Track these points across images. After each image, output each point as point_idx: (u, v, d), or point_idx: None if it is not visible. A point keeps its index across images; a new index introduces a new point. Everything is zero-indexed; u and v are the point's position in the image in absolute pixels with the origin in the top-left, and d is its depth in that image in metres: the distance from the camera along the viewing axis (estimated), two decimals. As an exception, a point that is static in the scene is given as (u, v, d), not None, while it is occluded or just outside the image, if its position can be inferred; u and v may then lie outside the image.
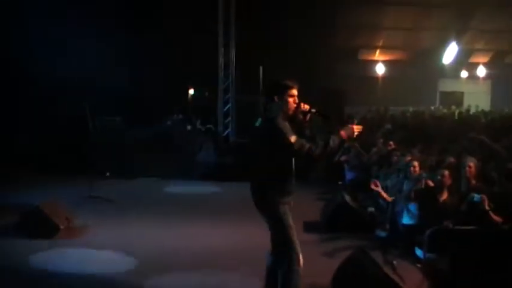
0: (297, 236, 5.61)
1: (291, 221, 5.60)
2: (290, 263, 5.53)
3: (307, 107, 5.71)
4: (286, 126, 5.49)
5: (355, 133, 5.64)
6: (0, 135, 15.10)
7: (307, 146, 5.40)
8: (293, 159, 5.65)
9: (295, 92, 5.67)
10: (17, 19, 15.49)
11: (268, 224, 5.68)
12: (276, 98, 5.64)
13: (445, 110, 26.23)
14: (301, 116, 5.69)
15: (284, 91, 5.64)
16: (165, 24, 18.94)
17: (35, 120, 15.78)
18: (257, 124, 5.78)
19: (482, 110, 24.77)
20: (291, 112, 5.65)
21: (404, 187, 9.01)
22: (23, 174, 14.01)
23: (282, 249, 5.59)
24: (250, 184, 5.77)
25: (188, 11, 18.02)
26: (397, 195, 9.23)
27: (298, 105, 5.68)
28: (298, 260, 5.55)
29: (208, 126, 16.71)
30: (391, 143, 12.14)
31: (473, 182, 8.35)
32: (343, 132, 5.55)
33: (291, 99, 5.64)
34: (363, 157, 12.59)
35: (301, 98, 5.73)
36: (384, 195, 9.43)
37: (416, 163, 9.20)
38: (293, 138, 5.39)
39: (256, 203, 5.69)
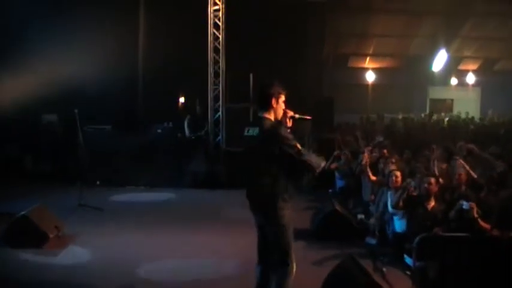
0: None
1: (291, 228, 5.66)
2: (285, 275, 5.56)
3: (291, 112, 5.78)
4: (290, 134, 5.59)
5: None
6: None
7: (314, 159, 5.54)
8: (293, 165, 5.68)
9: (284, 97, 5.78)
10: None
11: (268, 231, 5.68)
12: (273, 102, 5.69)
13: (434, 117, 26.29)
14: (288, 121, 5.73)
15: (279, 95, 5.72)
16: (155, 32, 19.00)
17: (24, 129, 15.76)
18: (253, 133, 5.78)
19: (473, 117, 24.87)
20: (280, 117, 5.72)
21: (388, 196, 9.02)
22: (12, 183, 13.95)
23: (279, 258, 5.59)
24: (249, 192, 5.78)
25: (178, 19, 18.06)
26: (382, 203, 9.28)
27: (285, 111, 5.75)
28: (292, 271, 5.59)
29: (198, 134, 16.66)
30: (385, 151, 12.13)
31: (462, 188, 8.41)
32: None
33: (282, 104, 5.75)
34: (352, 165, 12.61)
35: (293, 105, 5.82)
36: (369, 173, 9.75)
37: (398, 173, 9.23)
38: (299, 146, 5.52)
39: (259, 209, 5.70)
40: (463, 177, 8.73)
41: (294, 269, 5.62)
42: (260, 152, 5.68)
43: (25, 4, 15.79)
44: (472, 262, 6.87)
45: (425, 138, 15.20)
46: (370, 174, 10.46)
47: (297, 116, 5.81)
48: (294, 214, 5.67)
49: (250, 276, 6.07)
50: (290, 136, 5.55)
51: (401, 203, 8.37)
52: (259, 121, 5.73)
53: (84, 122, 12.85)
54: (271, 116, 5.71)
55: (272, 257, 5.68)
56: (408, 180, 8.74)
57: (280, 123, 5.67)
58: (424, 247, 7.14)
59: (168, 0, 18.62)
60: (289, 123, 5.76)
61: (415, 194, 8.49)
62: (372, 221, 9.57)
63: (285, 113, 5.74)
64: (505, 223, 7.09)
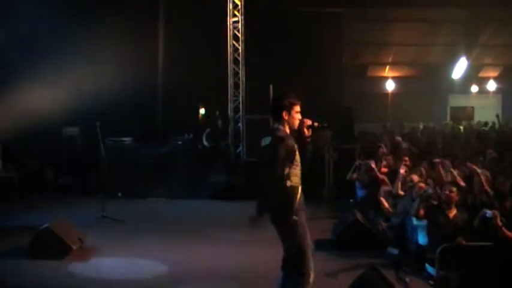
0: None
1: (308, 237, 5.64)
2: (299, 285, 5.54)
3: (309, 121, 5.80)
4: (288, 151, 5.57)
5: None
6: (13, 157, 15.27)
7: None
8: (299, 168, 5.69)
9: (299, 108, 5.80)
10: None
11: (282, 240, 5.69)
12: (284, 114, 5.71)
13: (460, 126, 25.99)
14: (306, 131, 5.75)
15: (291, 107, 5.74)
16: (174, 43, 19.12)
17: (46, 142, 15.92)
18: (266, 143, 5.82)
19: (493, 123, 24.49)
20: (296, 127, 5.75)
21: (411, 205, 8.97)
22: (34, 196, 14.08)
23: (294, 267, 5.59)
24: (264, 202, 5.76)
25: (198, 31, 18.18)
26: (407, 212, 9.22)
27: (302, 120, 5.75)
28: (308, 280, 5.55)
29: (221, 144, 16.69)
30: (406, 158, 12.05)
31: (485, 197, 8.34)
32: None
33: (296, 115, 5.75)
34: (373, 173, 12.51)
35: (312, 115, 5.83)
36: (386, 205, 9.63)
37: (422, 184, 9.18)
38: (281, 170, 5.51)
39: (271, 218, 5.68)
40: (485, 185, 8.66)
41: (311, 279, 5.58)
42: (267, 161, 5.71)
43: (46, 16, 15.96)
44: (495, 272, 6.82)
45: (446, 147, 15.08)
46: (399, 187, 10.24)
47: (315, 124, 5.83)
48: (315, 224, 5.67)
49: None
50: (288, 149, 5.56)
51: (422, 212, 8.33)
52: (272, 132, 5.78)
53: (105, 135, 12.95)
54: (285, 127, 5.74)
55: (289, 265, 5.68)
56: (426, 187, 8.69)
57: (286, 135, 5.68)
58: (447, 256, 7.10)
59: (188, 12, 18.73)
60: (308, 133, 5.78)
61: (435, 202, 8.44)
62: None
63: (301, 123, 5.77)
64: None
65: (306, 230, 5.65)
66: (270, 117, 5.97)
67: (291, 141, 5.65)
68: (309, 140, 5.81)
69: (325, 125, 5.96)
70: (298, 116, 5.77)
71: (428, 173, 10.59)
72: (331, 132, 6.00)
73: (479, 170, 8.93)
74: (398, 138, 13.05)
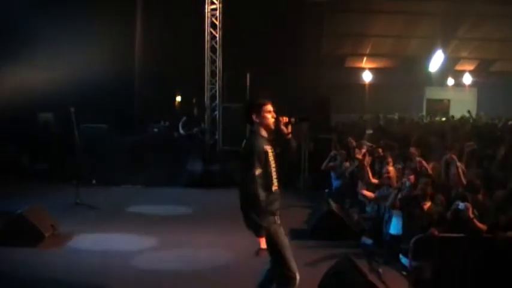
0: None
1: (285, 239, 5.57)
2: (283, 285, 5.52)
3: (285, 118, 5.72)
4: (261, 153, 5.47)
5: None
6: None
7: (257, 188, 5.36)
8: (274, 169, 5.60)
9: (270, 107, 5.67)
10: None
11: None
12: (254, 117, 5.63)
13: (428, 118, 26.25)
14: (284, 129, 5.70)
15: (260, 109, 5.63)
16: (151, 30, 18.98)
17: (21, 127, 15.73)
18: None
19: (470, 116, 24.73)
20: (272, 127, 5.66)
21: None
22: (8, 181, 13.92)
23: (278, 268, 5.56)
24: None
25: (175, 19, 18.07)
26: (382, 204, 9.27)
27: (277, 118, 5.70)
28: (293, 282, 5.51)
29: (190, 132, 16.61)
30: (380, 150, 12.09)
31: (460, 189, 8.41)
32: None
33: (268, 115, 5.64)
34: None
35: (289, 106, 5.77)
36: (367, 193, 9.64)
37: (391, 168, 9.26)
38: (257, 171, 5.38)
39: (245, 220, 5.53)
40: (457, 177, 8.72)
41: (297, 280, 5.51)
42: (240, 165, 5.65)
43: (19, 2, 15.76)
44: (468, 263, 6.88)
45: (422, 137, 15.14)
46: (371, 175, 10.27)
47: (292, 120, 5.77)
48: (290, 214, 5.64)
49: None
50: (258, 157, 5.44)
51: (397, 203, 8.38)
52: (249, 135, 5.74)
53: (80, 121, 12.85)
54: (260, 129, 5.63)
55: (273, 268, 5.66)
56: (403, 180, 8.73)
57: (259, 137, 5.58)
58: (420, 247, 7.15)
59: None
60: (287, 130, 5.72)
61: (411, 194, 8.48)
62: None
63: (277, 121, 5.69)
64: (500, 224, 7.10)
65: (281, 230, 5.55)
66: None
67: (262, 144, 5.53)
68: (290, 136, 5.74)
69: (303, 117, 5.91)
70: (272, 115, 5.65)
71: (405, 164, 10.63)
72: (308, 122, 5.92)
73: (458, 163, 8.98)
74: (351, 140, 13.07)
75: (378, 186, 9.90)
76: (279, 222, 5.57)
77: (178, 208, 12.25)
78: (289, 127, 5.74)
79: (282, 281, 5.55)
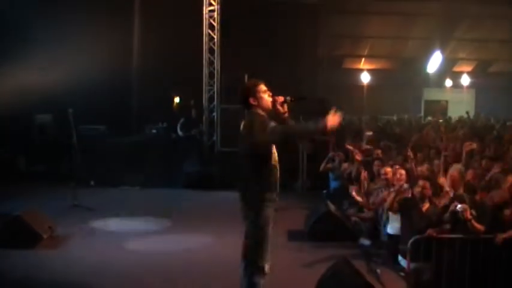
0: (282, 244, 5.57)
1: (270, 230, 5.56)
2: (253, 273, 5.51)
3: (281, 98, 5.70)
4: (264, 117, 5.52)
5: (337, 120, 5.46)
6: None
7: (279, 126, 5.42)
8: (273, 151, 5.61)
9: (264, 87, 5.67)
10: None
11: (246, 228, 5.63)
12: (251, 100, 5.62)
13: (429, 118, 26.23)
14: (280, 108, 5.68)
15: (254, 89, 5.64)
16: (150, 32, 18.96)
17: (18, 129, 15.70)
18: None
19: (468, 117, 24.76)
20: (270, 107, 5.64)
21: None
22: (5, 183, 13.89)
23: (251, 256, 5.55)
24: (238, 190, 5.70)
25: (173, 20, 18.05)
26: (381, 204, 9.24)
27: (274, 98, 5.68)
28: (263, 271, 5.51)
29: (192, 132, 16.59)
30: (379, 151, 12.09)
31: (457, 190, 8.38)
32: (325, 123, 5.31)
33: (265, 95, 5.64)
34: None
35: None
36: (363, 202, 9.60)
37: (398, 174, 9.22)
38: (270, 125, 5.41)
39: (243, 205, 5.61)
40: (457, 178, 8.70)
41: (266, 270, 5.51)
42: (240, 147, 5.68)
43: (21, 1, 15.74)
44: (466, 264, 6.87)
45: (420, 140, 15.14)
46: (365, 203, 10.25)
47: (288, 98, 5.73)
48: (288, 215, 5.63)
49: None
50: (263, 120, 5.49)
51: (396, 206, 8.35)
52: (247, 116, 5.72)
53: (78, 122, 12.82)
54: (260, 111, 5.62)
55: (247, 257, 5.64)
56: (401, 182, 8.71)
57: (255, 114, 5.59)
58: (419, 249, 7.14)
59: (163, 0, 18.59)
60: (284, 109, 5.69)
61: (409, 196, 8.47)
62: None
63: (274, 101, 5.67)
64: (498, 225, 7.08)
65: (269, 221, 5.54)
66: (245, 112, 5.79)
67: (265, 116, 5.56)
68: (287, 115, 5.71)
69: (299, 97, 5.89)
70: (268, 95, 5.66)
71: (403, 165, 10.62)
72: (305, 99, 5.89)
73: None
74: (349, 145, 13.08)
75: (369, 192, 9.95)
76: (268, 213, 5.54)
77: (176, 209, 12.22)
78: (285, 106, 5.71)
79: (253, 269, 5.52)
